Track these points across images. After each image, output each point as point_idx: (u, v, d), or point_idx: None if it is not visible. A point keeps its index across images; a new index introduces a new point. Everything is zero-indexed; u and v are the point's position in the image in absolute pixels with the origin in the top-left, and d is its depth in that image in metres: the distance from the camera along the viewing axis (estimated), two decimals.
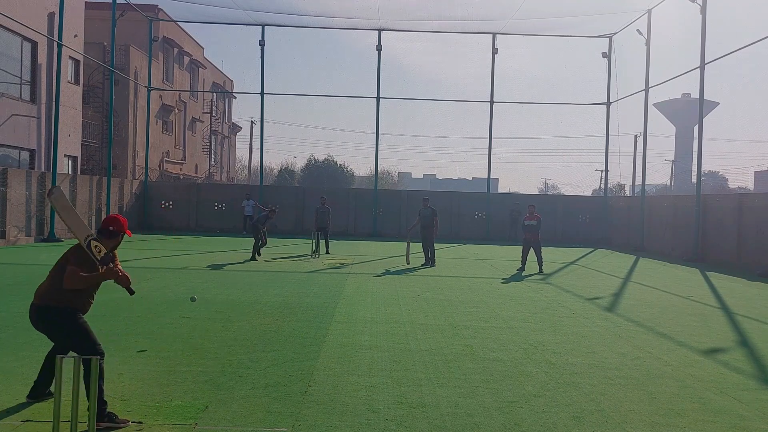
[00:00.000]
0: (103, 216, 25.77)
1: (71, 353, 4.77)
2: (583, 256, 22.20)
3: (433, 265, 16.58)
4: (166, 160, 40.17)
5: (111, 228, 4.93)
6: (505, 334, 8.19)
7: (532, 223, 16.20)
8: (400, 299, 10.84)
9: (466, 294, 11.74)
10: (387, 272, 15.02)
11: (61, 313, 4.66)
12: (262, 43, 30.00)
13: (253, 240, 17.41)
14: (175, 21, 35.21)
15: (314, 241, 18.56)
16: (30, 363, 6.08)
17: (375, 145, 30.82)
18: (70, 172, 27.22)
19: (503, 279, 14.52)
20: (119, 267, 4.84)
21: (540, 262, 16.17)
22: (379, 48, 30.29)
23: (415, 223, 17.42)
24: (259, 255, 17.22)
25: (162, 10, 35.40)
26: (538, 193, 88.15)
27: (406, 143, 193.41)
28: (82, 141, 29.79)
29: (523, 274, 15.59)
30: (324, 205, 19.89)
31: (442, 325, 8.61)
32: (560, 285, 13.65)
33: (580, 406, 5.31)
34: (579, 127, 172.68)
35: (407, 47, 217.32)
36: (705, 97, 22.02)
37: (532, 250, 16.23)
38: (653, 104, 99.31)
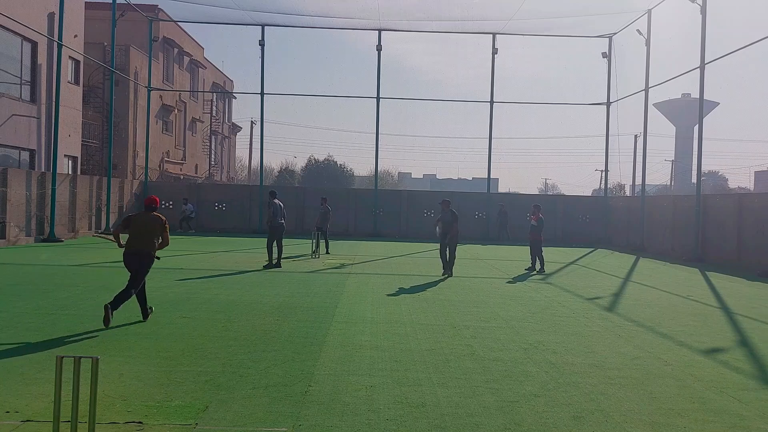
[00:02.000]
0: (103, 216, 25.81)
1: (69, 355, 4.78)
2: (583, 256, 22.20)
3: (450, 275, 14.55)
4: (166, 160, 40.17)
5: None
6: (506, 333, 8.19)
7: (533, 224, 16.33)
8: (400, 299, 10.84)
9: (466, 294, 11.74)
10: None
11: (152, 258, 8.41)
12: (262, 43, 30.02)
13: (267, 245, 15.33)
14: (175, 21, 35.21)
15: (314, 241, 18.56)
16: (30, 363, 6.08)
17: (375, 145, 30.86)
18: (70, 172, 27.21)
19: (503, 279, 14.52)
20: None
21: (541, 262, 16.19)
22: (379, 48, 30.31)
23: (437, 221, 15.27)
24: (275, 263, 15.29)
25: (162, 10, 35.40)
26: (538, 193, 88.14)
27: (406, 143, 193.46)
28: (82, 141, 29.78)
29: (530, 273, 15.67)
30: (324, 206, 19.88)
31: (443, 325, 8.61)
32: (560, 285, 13.65)
33: (580, 406, 5.32)
34: (579, 127, 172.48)
35: (407, 48, 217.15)
36: (705, 97, 22.02)
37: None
38: (653, 104, 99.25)
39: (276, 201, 15.60)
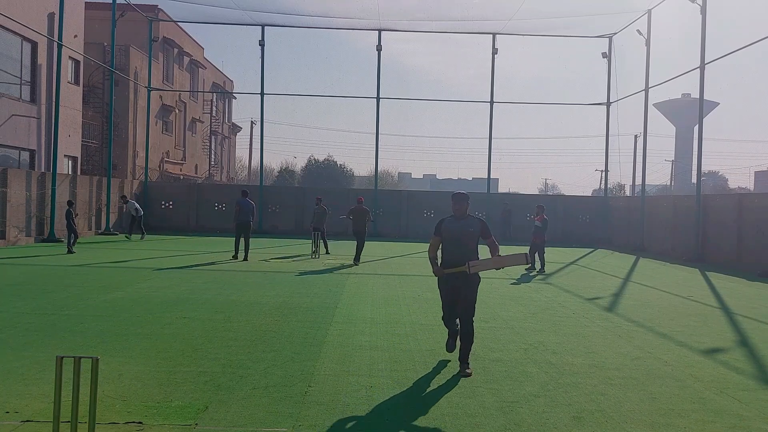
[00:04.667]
0: (104, 216, 25.82)
1: (69, 355, 4.77)
2: (583, 256, 22.20)
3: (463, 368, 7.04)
4: (166, 161, 40.16)
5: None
6: (506, 334, 8.19)
7: (537, 224, 16.30)
8: (400, 299, 10.84)
9: None
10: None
11: None
12: (262, 43, 30.03)
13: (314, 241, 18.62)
14: (175, 21, 35.21)
15: (314, 241, 18.54)
16: (31, 363, 6.08)
17: (375, 146, 30.87)
18: (70, 173, 27.21)
19: (503, 279, 14.51)
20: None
21: (542, 263, 16.20)
22: (379, 48, 30.31)
23: (437, 233, 7.14)
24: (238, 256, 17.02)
25: (162, 10, 35.40)
26: (538, 193, 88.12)
27: (406, 143, 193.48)
28: (82, 141, 29.78)
29: (530, 274, 15.65)
30: (320, 206, 19.78)
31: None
32: (560, 285, 13.65)
33: (580, 406, 5.31)
34: (579, 127, 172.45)
35: (407, 48, 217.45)
36: (705, 97, 22.02)
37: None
38: (653, 104, 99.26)
39: (247, 200, 17.01)
